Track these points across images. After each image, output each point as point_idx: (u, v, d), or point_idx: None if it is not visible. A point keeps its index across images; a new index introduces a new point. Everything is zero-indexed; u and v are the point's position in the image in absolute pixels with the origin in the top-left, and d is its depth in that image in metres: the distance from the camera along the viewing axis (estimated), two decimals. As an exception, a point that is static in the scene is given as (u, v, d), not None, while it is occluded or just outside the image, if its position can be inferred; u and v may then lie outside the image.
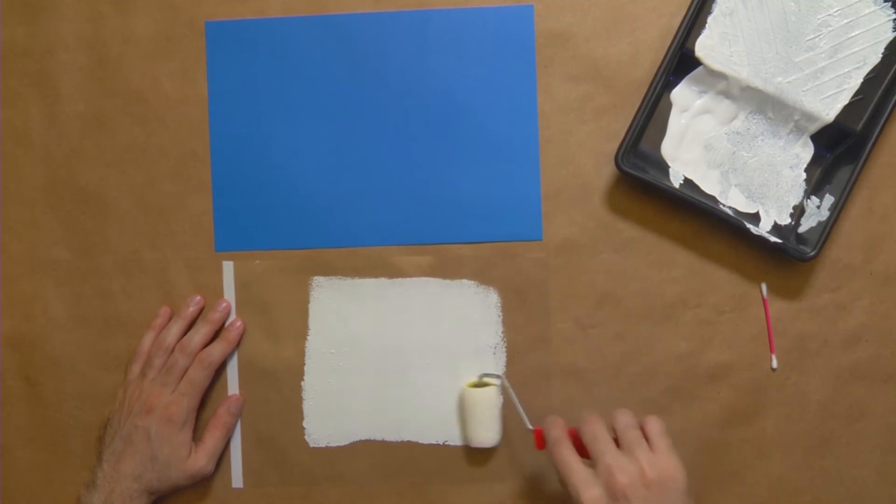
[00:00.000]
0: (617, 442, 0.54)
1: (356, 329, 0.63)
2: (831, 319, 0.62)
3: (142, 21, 0.64)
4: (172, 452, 0.60)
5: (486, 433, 0.61)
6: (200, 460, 0.61)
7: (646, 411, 0.62)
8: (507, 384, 0.61)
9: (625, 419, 0.55)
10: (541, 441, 0.57)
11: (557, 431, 0.55)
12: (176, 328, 0.62)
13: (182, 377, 0.61)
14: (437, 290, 0.63)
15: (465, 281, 0.63)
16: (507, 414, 0.62)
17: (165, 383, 0.61)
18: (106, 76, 0.64)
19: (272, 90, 0.64)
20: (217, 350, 0.62)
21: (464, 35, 0.63)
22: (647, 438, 0.54)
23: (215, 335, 0.63)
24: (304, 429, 0.63)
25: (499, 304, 0.63)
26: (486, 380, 0.62)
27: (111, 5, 0.64)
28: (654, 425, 0.54)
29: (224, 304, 0.63)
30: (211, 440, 0.62)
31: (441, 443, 0.63)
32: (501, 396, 0.62)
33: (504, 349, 0.63)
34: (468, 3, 0.63)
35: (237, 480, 0.63)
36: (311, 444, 0.63)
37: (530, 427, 0.58)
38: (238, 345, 0.64)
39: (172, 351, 0.62)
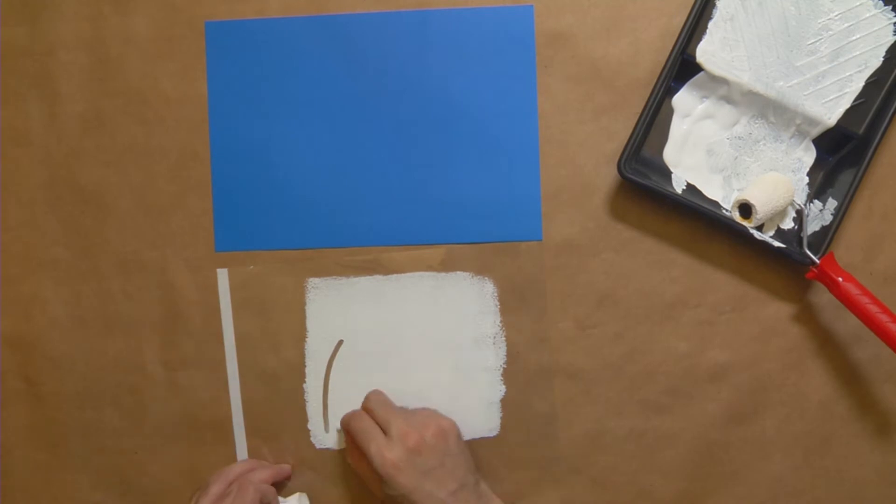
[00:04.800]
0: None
1: (355, 328, 0.63)
2: (831, 319, 0.62)
3: (142, 21, 0.64)
4: None
5: None
6: None
7: (646, 411, 0.62)
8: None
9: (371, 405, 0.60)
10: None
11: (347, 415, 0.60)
12: (241, 465, 0.62)
13: None
14: (433, 284, 0.63)
15: (459, 273, 0.63)
16: (508, 405, 0.63)
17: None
18: (106, 76, 0.64)
19: (272, 90, 0.64)
20: (264, 477, 0.61)
21: (464, 35, 0.63)
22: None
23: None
24: (308, 431, 0.63)
25: (495, 294, 0.63)
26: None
27: (111, 5, 0.64)
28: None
29: (288, 469, 0.63)
30: None
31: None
32: None
33: (504, 339, 0.63)
34: (468, 3, 0.63)
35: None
36: (318, 446, 0.63)
37: None
38: (286, 479, 0.63)
39: (231, 483, 0.60)
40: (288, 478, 0.63)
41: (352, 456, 0.60)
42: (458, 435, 0.59)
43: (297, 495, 0.62)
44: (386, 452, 0.56)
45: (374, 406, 0.60)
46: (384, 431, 0.57)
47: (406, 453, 0.56)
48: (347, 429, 0.59)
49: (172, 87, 0.64)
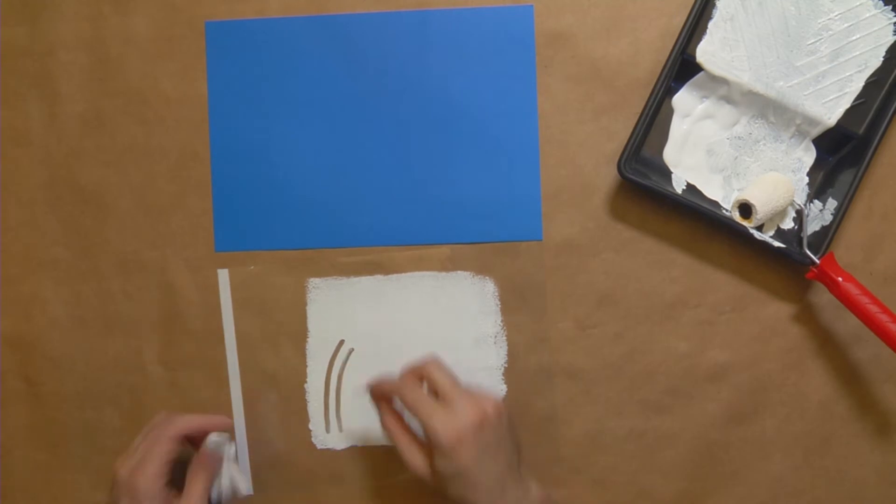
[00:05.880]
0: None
1: (355, 328, 0.63)
2: (831, 319, 0.62)
3: (142, 21, 0.64)
4: None
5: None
6: None
7: (646, 411, 0.62)
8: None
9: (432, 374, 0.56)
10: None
11: (391, 380, 0.57)
12: (159, 416, 0.59)
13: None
14: (434, 284, 0.63)
15: (460, 272, 0.63)
16: (508, 405, 0.63)
17: (136, 449, 0.56)
18: (106, 76, 0.64)
19: (272, 90, 0.64)
20: (181, 418, 0.57)
21: (464, 35, 0.63)
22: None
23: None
24: (310, 431, 0.63)
25: (496, 294, 0.63)
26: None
27: (111, 5, 0.64)
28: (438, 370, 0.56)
29: (226, 420, 0.60)
30: (194, 488, 0.56)
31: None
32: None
33: (504, 338, 0.63)
34: (468, 3, 0.63)
35: (247, 488, 0.63)
36: (319, 446, 0.63)
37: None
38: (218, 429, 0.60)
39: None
40: (223, 428, 0.59)
41: (393, 427, 0.57)
42: (508, 414, 0.57)
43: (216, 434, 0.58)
44: (450, 425, 0.53)
45: (435, 375, 0.56)
46: (442, 401, 0.55)
47: (470, 428, 0.53)
48: (400, 397, 0.56)
49: (172, 87, 0.64)
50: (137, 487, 0.54)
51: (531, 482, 0.57)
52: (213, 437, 0.57)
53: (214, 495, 0.57)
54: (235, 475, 0.58)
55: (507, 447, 0.55)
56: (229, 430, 0.61)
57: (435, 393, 0.56)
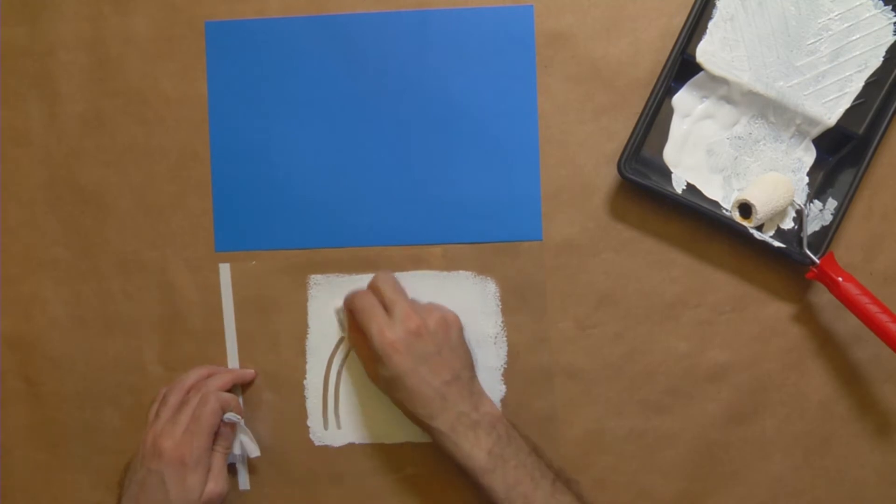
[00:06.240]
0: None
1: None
2: (831, 319, 0.62)
3: (142, 21, 0.64)
4: (184, 495, 0.56)
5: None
6: (213, 490, 0.58)
7: (646, 411, 0.62)
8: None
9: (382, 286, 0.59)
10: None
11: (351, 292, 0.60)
12: (197, 372, 0.61)
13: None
14: (435, 283, 0.63)
15: (461, 272, 0.63)
16: (508, 405, 0.62)
17: (176, 422, 0.58)
18: (106, 76, 0.64)
19: (272, 90, 0.64)
20: (222, 384, 0.60)
21: (464, 35, 0.63)
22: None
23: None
24: (308, 427, 0.63)
25: (497, 294, 0.63)
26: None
27: (111, 5, 0.64)
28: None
29: (252, 373, 0.63)
30: (216, 462, 0.59)
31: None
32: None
33: (505, 339, 0.63)
34: (468, 3, 0.63)
35: (244, 483, 0.63)
36: (317, 443, 0.63)
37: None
38: (248, 382, 0.63)
39: (189, 391, 0.60)
40: (250, 381, 0.63)
41: (352, 335, 0.61)
42: (461, 329, 0.59)
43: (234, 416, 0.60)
44: (387, 331, 0.56)
45: (381, 285, 0.59)
46: (388, 311, 0.57)
47: (406, 335, 0.56)
48: (350, 306, 0.59)
49: (172, 87, 0.64)
50: (186, 461, 0.57)
51: (483, 399, 0.58)
52: (230, 415, 0.60)
53: (230, 460, 0.61)
54: (247, 442, 0.61)
55: (452, 360, 0.57)
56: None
57: (382, 303, 0.58)
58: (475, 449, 0.55)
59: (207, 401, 0.58)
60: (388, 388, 0.57)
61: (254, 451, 0.61)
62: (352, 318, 0.60)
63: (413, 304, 0.58)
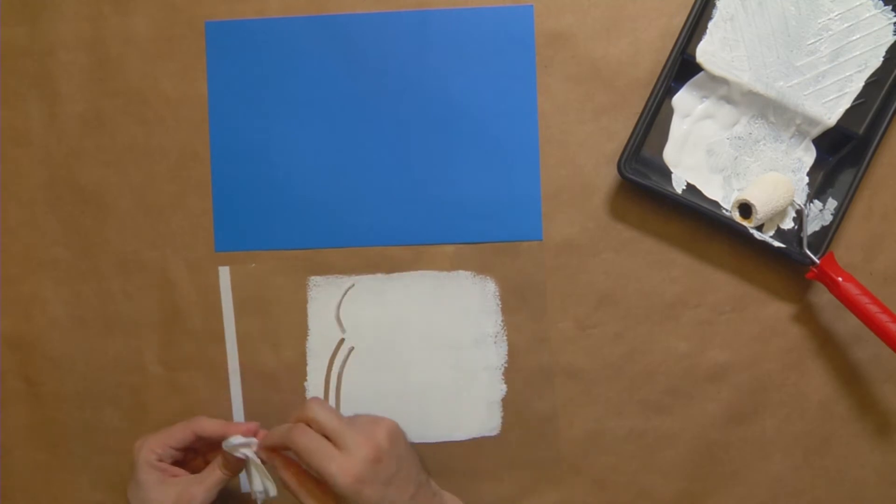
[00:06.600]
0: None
1: (356, 326, 0.63)
2: (831, 319, 0.62)
3: (142, 21, 0.64)
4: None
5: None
6: (196, 494, 0.56)
7: (646, 411, 0.62)
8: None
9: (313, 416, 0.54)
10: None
11: (280, 430, 0.55)
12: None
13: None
14: (435, 283, 0.63)
15: (461, 272, 0.63)
16: (508, 405, 0.63)
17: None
18: (106, 76, 0.64)
19: (272, 90, 0.64)
20: (208, 420, 0.58)
21: (464, 35, 0.63)
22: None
23: None
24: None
25: (496, 294, 0.63)
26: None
27: (111, 5, 0.64)
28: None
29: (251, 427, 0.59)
30: (209, 477, 0.57)
31: (444, 440, 0.63)
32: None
33: (505, 338, 0.63)
34: (468, 3, 0.63)
35: (245, 485, 0.63)
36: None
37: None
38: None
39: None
40: (245, 433, 0.58)
41: (293, 480, 0.55)
42: (404, 434, 0.56)
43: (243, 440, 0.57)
44: (349, 468, 0.51)
45: (317, 416, 0.54)
46: (336, 445, 0.53)
47: (367, 465, 0.52)
48: (294, 449, 0.53)
49: (172, 87, 0.64)
50: (137, 457, 0.57)
51: (444, 495, 0.58)
52: (231, 440, 0.56)
53: (253, 496, 0.58)
54: (265, 480, 0.58)
55: (410, 470, 0.55)
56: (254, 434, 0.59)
57: (324, 435, 0.53)
58: None
59: (191, 419, 0.58)
60: None
61: (271, 489, 0.58)
62: (281, 461, 0.56)
63: (355, 427, 0.54)
